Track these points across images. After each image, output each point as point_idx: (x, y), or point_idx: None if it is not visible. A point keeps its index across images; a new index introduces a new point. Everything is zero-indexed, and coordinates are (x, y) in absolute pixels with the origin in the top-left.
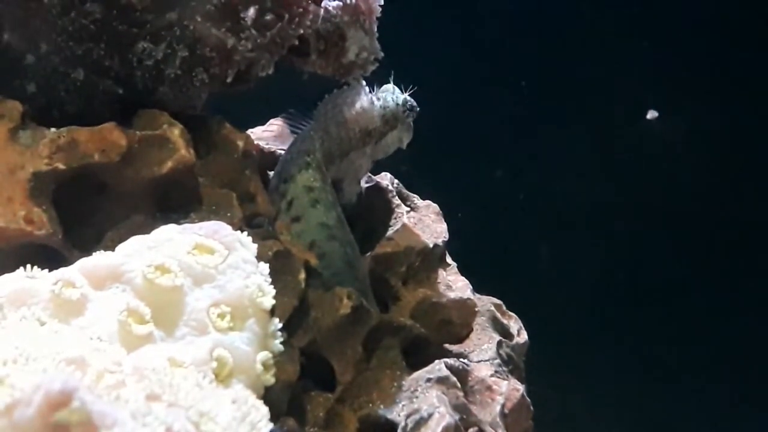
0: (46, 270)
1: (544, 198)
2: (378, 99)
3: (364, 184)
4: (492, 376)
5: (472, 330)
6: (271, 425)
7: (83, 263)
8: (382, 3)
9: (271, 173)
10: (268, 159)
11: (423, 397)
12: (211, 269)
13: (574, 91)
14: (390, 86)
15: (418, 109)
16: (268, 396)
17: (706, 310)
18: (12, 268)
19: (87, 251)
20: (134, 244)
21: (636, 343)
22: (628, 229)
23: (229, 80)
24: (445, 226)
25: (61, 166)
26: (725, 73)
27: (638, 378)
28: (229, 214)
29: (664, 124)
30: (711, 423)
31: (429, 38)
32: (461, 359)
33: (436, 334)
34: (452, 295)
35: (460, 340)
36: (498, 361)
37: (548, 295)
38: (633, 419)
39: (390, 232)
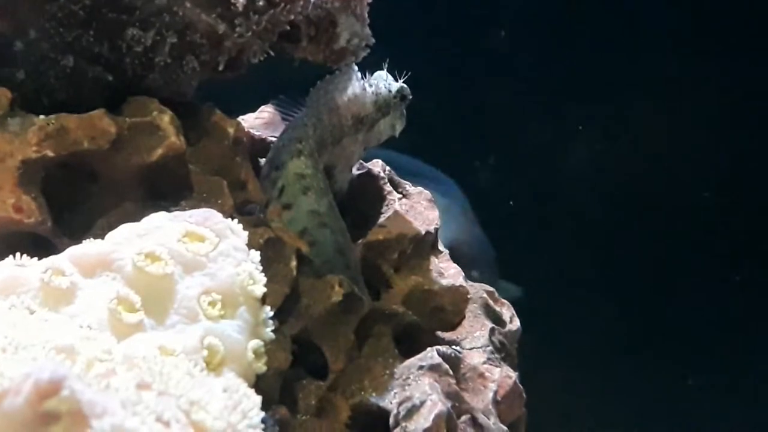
0: (36, 258)
1: (535, 187)
2: (370, 86)
3: (355, 171)
4: (484, 363)
5: (464, 317)
6: (262, 413)
7: (73, 251)
8: None
9: (263, 160)
10: (259, 146)
11: (415, 385)
12: (202, 257)
13: (570, 83)
14: (383, 73)
15: (410, 96)
16: (259, 384)
17: (704, 297)
18: (1, 257)
19: (77, 239)
20: (124, 231)
21: (628, 328)
22: (621, 217)
23: (220, 67)
24: (437, 213)
25: (50, 154)
26: None
27: (631, 364)
28: (219, 202)
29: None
30: (707, 414)
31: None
32: (453, 346)
33: (428, 322)
34: (444, 282)
35: (452, 327)
36: (490, 348)
37: (541, 280)
38: (626, 406)
39: (382, 219)
